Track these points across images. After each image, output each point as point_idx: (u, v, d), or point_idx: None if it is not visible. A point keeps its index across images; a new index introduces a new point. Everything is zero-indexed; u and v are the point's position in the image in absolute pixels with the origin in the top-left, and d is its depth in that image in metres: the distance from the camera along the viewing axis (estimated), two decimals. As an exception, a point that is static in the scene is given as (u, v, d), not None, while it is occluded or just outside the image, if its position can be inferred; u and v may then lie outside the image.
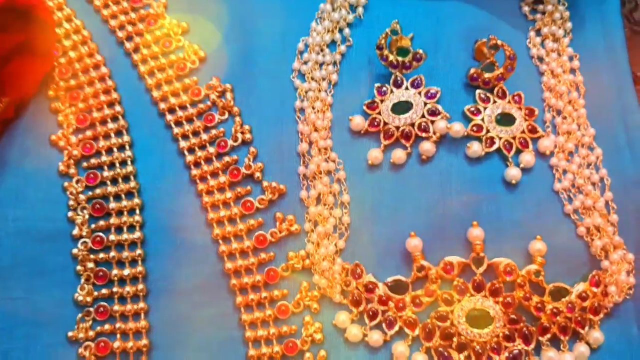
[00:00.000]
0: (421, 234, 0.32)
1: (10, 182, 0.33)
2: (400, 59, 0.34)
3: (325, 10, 0.37)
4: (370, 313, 0.31)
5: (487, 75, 0.34)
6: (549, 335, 0.30)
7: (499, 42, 0.33)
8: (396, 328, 0.31)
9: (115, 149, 0.34)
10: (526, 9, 0.38)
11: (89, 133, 0.34)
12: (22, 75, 0.33)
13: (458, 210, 0.32)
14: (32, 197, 0.32)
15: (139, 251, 0.32)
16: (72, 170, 0.33)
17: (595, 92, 0.35)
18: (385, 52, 0.34)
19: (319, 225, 0.32)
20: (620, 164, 0.33)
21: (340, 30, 0.36)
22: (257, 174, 0.33)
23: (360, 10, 0.37)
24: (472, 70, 0.34)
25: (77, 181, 0.33)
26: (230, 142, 0.34)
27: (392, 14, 0.37)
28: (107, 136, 0.34)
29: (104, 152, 0.34)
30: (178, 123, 0.34)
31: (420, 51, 0.34)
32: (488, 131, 0.34)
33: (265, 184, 0.33)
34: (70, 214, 0.32)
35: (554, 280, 0.31)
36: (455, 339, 0.30)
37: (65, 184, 0.33)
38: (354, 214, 0.33)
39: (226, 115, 0.35)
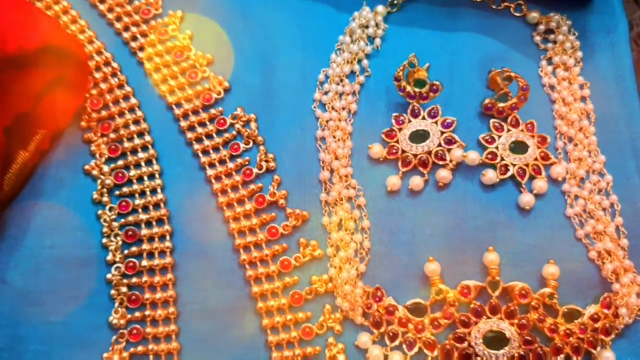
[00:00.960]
0: (439, 258, 0.33)
1: (46, 211, 0.34)
2: (417, 90, 0.35)
3: (344, 42, 0.38)
4: (391, 334, 0.33)
5: (501, 105, 0.35)
6: (562, 356, 0.32)
7: (513, 74, 0.35)
8: (416, 349, 0.32)
9: (145, 178, 0.35)
10: (538, 38, 0.39)
11: (120, 162, 0.36)
12: (57, 108, 0.34)
13: (474, 235, 0.34)
14: (68, 225, 0.34)
15: (169, 275, 0.33)
16: (105, 199, 0.35)
17: (605, 120, 0.36)
18: (403, 83, 0.36)
19: (341, 250, 0.34)
20: (630, 190, 0.35)
21: (359, 61, 0.38)
22: (281, 201, 0.35)
23: (377, 41, 0.38)
24: (487, 101, 0.35)
25: (110, 209, 0.35)
26: (255, 170, 0.35)
27: (409, 45, 0.38)
28: (137, 165, 0.36)
29: (135, 181, 0.35)
30: (205, 152, 0.36)
31: (437, 83, 0.35)
32: (502, 159, 0.35)
33: (289, 210, 0.35)
34: (104, 240, 0.34)
35: (566, 302, 0.33)
36: (472, 360, 0.32)
37: (99, 211, 0.34)
38: (374, 239, 0.34)
39: (251, 144, 0.36)
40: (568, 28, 0.39)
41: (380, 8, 0.39)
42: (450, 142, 0.35)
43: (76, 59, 0.33)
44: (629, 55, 0.38)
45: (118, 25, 0.39)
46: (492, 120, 0.36)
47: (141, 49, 0.39)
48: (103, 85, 0.37)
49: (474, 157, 0.35)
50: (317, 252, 0.34)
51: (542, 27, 0.39)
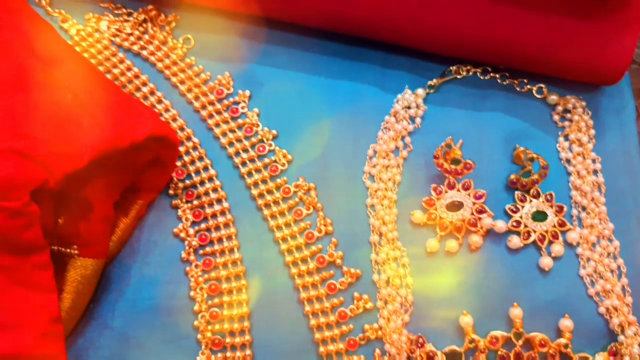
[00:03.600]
0: (471, 311, 0.40)
1: (144, 268, 0.41)
2: (453, 167, 0.42)
3: (389, 121, 0.45)
4: (431, 375, 0.39)
5: (524, 180, 0.42)
6: (575, 396, 0.38)
7: (535, 155, 0.41)
8: (452, 389, 0.39)
9: (224, 239, 0.42)
10: (556, 117, 0.45)
11: (203, 225, 0.43)
12: (152, 181, 0.41)
13: (501, 292, 0.40)
14: (161, 279, 0.41)
15: (246, 323, 0.40)
16: (192, 257, 0.42)
17: (614, 191, 0.43)
18: (441, 161, 0.42)
19: (389, 304, 0.40)
20: (634, 254, 0.41)
21: (402, 138, 0.45)
22: (338, 261, 0.41)
23: (418, 120, 0.45)
24: (512, 176, 0.42)
25: (196, 266, 0.41)
26: (315, 234, 0.42)
27: (445, 123, 0.45)
28: (217, 228, 0.43)
29: (216, 242, 0.42)
30: (273, 216, 0.43)
31: (470, 161, 0.42)
32: (525, 226, 0.41)
33: (344, 269, 0.41)
34: (191, 293, 0.41)
35: (579, 350, 0.39)
36: (500, 399, 0.38)
37: (187, 268, 0.41)
38: (417, 294, 0.41)
39: (311, 210, 0.43)
40: (583, 109, 0.45)
41: (420, 91, 0.45)
42: (481, 211, 0.42)
43: (170, 142, 0.40)
44: (636, 134, 0.44)
45: (197, 104, 0.46)
46: (516, 192, 0.42)
47: (217, 125, 0.45)
48: (186, 158, 0.44)
49: (501, 225, 0.41)
50: (369, 304, 0.41)
51: (560, 108, 0.45)
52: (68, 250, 0.38)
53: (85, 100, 0.36)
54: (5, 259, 0.32)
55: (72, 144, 0.35)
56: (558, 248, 0.41)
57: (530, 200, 0.42)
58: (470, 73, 0.46)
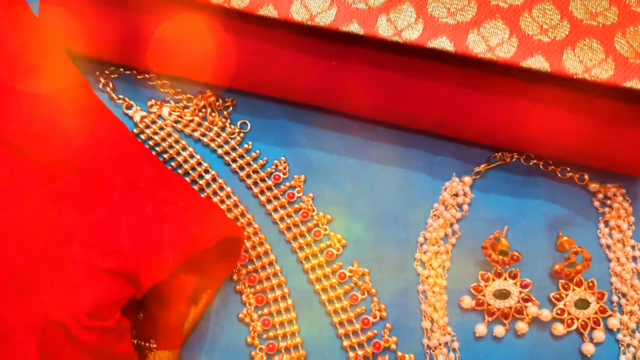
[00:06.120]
0: (518, 395, 0.43)
1: (211, 353, 0.44)
2: (501, 258, 0.45)
3: (438, 209, 0.47)
4: None
5: (568, 270, 0.45)
6: None
7: (579, 248, 0.44)
8: None
9: (285, 323, 0.45)
10: (597, 204, 0.48)
11: (265, 310, 0.46)
12: (220, 271, 0.45)
13: (546, 377, 0.43)
14: (227, 363, 0.44)
15: (307, 404, 0.44)
16: (256, 342, 0.45)
17: (653, 279, 0.45)
18: (490, 251, 0.45)
19: (441, 387, 0.43)
20: (672, 342, 0.44)
21: (451, 225, 0.47)
22: (393, 346, 0.45)
23: (465, 207, 0.48)
24: (557, 267, 0.45)
25: (260, 349, 0.45)
26: (370, 319, 0.45)
27: (490, 210, 0.47)
28: (278, 313, 0.46)
29: (278, 326, 0.45)
30: (330, 301, 0.46)
31: (517, 253, 0.44)
32: (569, 314, 0.44)
33: (399, 354, 0.44)
34: (257, 376, 0.44)
35: None
36: None
37: (252, 352, 0.45)
38: (467, 377, 0.44)
39: (365, 295, 0.46)
40: (622, 196, 0.47)
41: (467, 179, 0.48)
42: (527, 300, 0.44)
43: (238, 239, 0.43)
44: (673, 222, 0.46)
45: (256, 189, 0.49)
46: (560, 281, 0.45)
47: (275, 210, 0.48)
48: (248, 243, 0.47)
49: (547, 314, 0.44)
50: (422, 388, 0.44)
51: (600, 195, 0.48)
52: (147, 344, 0.41)
53: (165, 211, 0.39)
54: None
55: (156, 257, 0.38)
56: (599, 334, 0.44)
57: (574, 289, 0.45)
58: (514, 159, 0.48)
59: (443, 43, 0.41)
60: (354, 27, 0.42)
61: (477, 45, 0.41)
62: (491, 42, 0.41)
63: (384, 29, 0.42)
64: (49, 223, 0.38)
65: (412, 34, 0.41)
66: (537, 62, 0.40)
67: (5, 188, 0.39)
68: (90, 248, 0.37)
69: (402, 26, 0.42)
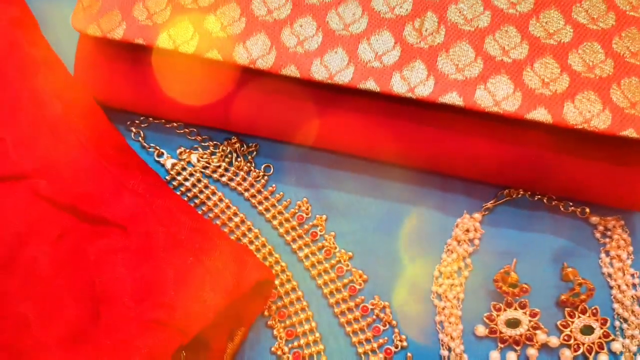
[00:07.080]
0: (530, 416, 0.47)
1: (248, 384, 0.48)
2: (511, 290, 0.49)
3: (451, 244, 0.51)
4: None
5: (573, 299, 0.49)
6: None
7: (583, 279, 0.48)
8: None
9: (314, 355, 0.49)
10: (598, 235, 0.52)
11: (295, 343, 0.50)
12: (253, 309, 0.48)
13: (555, 399, 0.47)
14: (269, 394, 0.48)
15: None
16: (288, 374, 0.49)
17: (651, 304, 0.49)
18: (500, 284, 0.49)
19: (459, 410, 0.47)
20: (671, 364, 0.48)
21: (463, 259, 0.51)
22: (414, 373, 0.49)
23: (477, 242, 0.52)
24: (563, 297, 0.49)
25: (292, 381, 0.49)
26: (392, 349, 0.49)
27: (499, 244, 0.51)
28: (307, 345, 0.50)
29: (307, 358, 0.49)
30: (355, 333, 0.50)
31: (526, 286, 0.48)
32: (575, 339, 0.48)
33: (420, 381, 0.48)
34: (290, 405, 0.48)
35: None
36: None
37: (285, 383, 0.49)
38: (483, 401, 0.48)
39: (387, 327, 0.50)
40: (621, 228, 0.51)
41: (477, 215, 0.52)
42: (536, 327, 0.48)
43: (269, 280, 0.47)
44: (668, 248, 0.50)
45: (281, 230, 0.53)
46: (566, 310, 0.49)
47: (300, 249, 0.52)
48: (276, 281, 0.51)
49: (555, 340, 0.48)
50: (442, 412, 0.48)
51: (601, 227, 0.52)
52: (191, 381, 0.45)
53: (204, 260, 0.43)
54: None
55: (200, 306, 0.42)
56: (604, 358, 0.48)
57: (579, 316, 0.49)
58: (520, 195, 0.52)
59: (453, 98, 0.45)
60: (371, 85, 0.46)
61: (485, 99, 0.45)
62: (497, 97, 0.45)
63: (398, 86, 0.45)
64: (100, 278, 0.42)
65: (424, 91, 0.45)
66: (541, 115, 0.44)
67: (58, 246, 0.43)
68: (140, 301, 0.41)
69: (414, 83, 0.45)
